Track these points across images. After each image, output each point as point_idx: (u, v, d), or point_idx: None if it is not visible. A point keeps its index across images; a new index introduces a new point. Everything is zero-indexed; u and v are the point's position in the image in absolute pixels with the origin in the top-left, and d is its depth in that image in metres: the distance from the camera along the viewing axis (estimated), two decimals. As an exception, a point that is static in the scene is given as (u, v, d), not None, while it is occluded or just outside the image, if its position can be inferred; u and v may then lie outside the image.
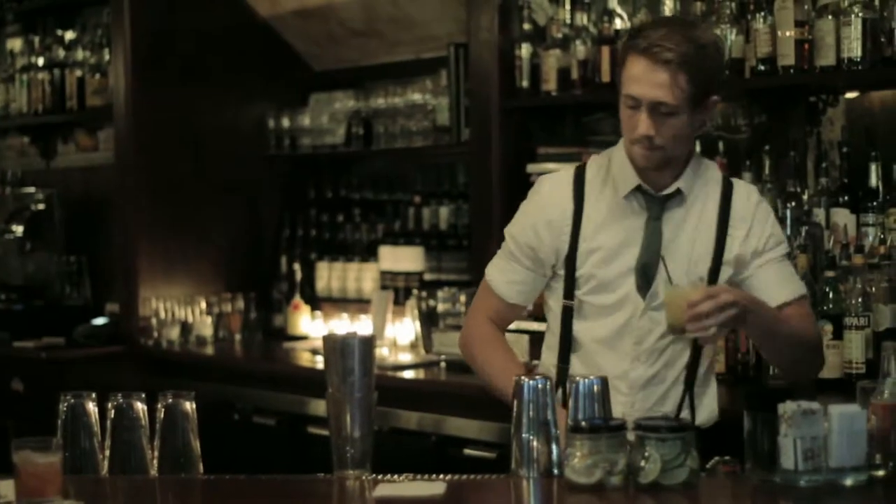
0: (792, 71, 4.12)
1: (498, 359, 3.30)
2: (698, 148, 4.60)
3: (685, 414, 3.18)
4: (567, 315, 3.26)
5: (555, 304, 3.31)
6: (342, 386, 2.71)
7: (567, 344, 3.26)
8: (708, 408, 3.26)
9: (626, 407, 3.12)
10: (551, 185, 3.32)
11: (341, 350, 2.72)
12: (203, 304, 6.08)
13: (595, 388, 2.69)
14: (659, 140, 3.09)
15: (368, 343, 2.75)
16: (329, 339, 2.75)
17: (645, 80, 3.04)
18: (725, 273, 3.21)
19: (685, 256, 3.18)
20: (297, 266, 6.18)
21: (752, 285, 3.19)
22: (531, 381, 2.67)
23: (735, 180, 3.32)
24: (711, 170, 3.29)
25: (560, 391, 3.15)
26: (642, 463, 2.51)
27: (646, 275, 3.18)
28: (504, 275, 3.34)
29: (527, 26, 4.98)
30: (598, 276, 3.21)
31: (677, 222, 3.20)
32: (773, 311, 3.14)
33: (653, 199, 3.20)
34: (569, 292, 3.25)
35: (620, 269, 3.20)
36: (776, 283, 3.20)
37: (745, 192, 3.28)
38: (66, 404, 2.80)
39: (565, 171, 3.33)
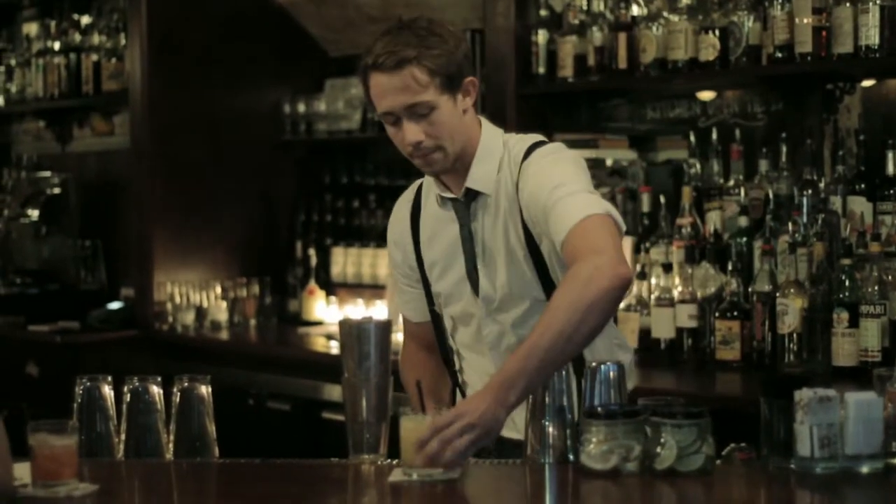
0: (809, 58, 4.10)
1: (407, 380, 3.24)
2: (716, 135, 4.62)
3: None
4: (437, 323, 3.22)
5: None
6: (358, 371, 2.71)
7: (445, 348, 3.23)
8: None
9: None
10: (398, 203, 3.29)
11: (358, 335, 2.72)
12: (218, 289, 6.08)
13: (611, 373, 2.68)
14: (431, 142, 2.97)
15: (385, 328, 2.75)
16: (346, 324, 2.75)
17: (387, 91, 2.95)
18: (548, 247, 2.96)
19: (504, 256, 3.02)
20: (312, 251, 6.17)
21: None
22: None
23: (537, 148, 3.03)
24: (516, 148, 3.04)
25: (457, 391, 3.19)
26: (658, 449, 2.50)
27: (474, 282, 3.08)
28: (399, 296, 3.35)
29: (543, 12, 4.96)
30: (442, 289, 3.15)
31: (490, 221, 3.04)
32: (526, 359, 2.64)
33: (459, 204, 3.08)
34: (430, 302, 3.22)
35: (455, 280, 3.11)
36: (552, 231, 2.86)
37: (524, 153, 3.01)
38: (81, 387, 2.81)
39: (412, 187, 3.26)
